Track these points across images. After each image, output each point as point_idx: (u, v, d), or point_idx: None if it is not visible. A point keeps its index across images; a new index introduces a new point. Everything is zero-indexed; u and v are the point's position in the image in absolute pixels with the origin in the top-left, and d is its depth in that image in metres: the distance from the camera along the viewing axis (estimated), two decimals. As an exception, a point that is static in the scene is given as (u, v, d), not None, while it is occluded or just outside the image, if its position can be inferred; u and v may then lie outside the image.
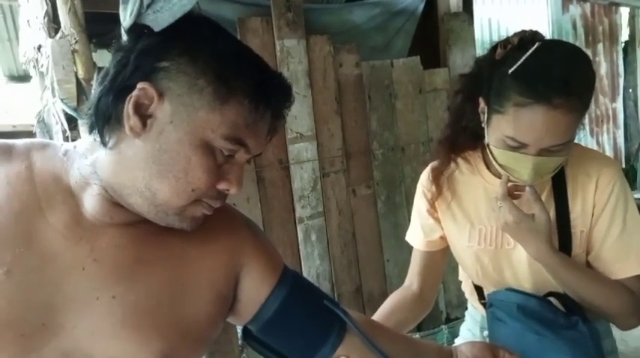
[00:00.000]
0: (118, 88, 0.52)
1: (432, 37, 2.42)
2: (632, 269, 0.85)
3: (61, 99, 1.68)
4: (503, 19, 3.29)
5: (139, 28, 0.53)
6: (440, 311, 2.37)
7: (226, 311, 0.65)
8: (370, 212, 2.24)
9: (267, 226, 1.99)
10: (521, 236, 0.84)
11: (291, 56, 1.99)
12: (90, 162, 0.56)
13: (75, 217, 0.55)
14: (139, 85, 0.51)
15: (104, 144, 0.54)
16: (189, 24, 0.54)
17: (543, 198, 0.89)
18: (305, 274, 2.08)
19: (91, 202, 0.55)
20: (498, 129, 0.80)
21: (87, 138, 0.58)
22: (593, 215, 0.87)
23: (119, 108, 0.52)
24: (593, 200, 0.87)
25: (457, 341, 1.04)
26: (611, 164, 0.90)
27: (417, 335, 2.14)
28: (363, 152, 2.20)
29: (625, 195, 0.86)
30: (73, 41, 1.65)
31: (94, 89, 0.56)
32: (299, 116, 2.02)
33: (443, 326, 2.25)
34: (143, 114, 0.52)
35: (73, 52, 1.65)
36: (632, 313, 0.86)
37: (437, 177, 0.96)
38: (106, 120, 0.53)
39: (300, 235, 2.06)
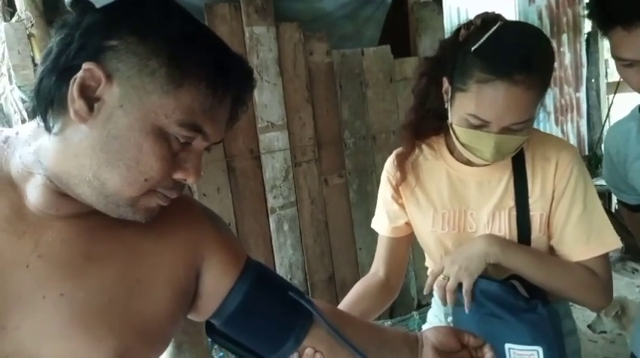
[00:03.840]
0: (61, 69, 0.48)
1: (401, 26, 2.42)
2: (594, 251, 0.87)
3: (19, 87, 1.60)
4: (472, 8, 3.33)
5: (84, 3, 0.49)
6: (411, 297, 2.41)
7: (187, 306, 0.63)
8: (342, 201, 2.24)
9: (239, 217, 1.96)
10: (469, 249, 0.87)
11: (260, 44, 1.95)
12: (33, 149, 0.52)
13: (17, 210, 0.51)
14: (85, 66, 0.47)
15: (48, 129, 0.50)
16: (142, 1, 0.50)
17: (504, 182, 0.90)
18: (278, 264, 2.07)
19: (34, 193, 0.52)
20: (461, 107, 0.81)
21: (31, 124, 0.54)
22: (553, 198, 0.89)
23: (63, 90, 0.48)
24: (553, 183, 0.88)
25: (424, 328, 1.05)
26: (569, 147, 0.92)
27: (388, 322, 2.17)
28: (334, 141, 2.20)
29: (584, 178, 0.88)
30: (29, 25, 1.57)
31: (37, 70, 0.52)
32: (269, 105, 2.00)
33: (414, 313, 2.28)
34: (89, 97, 0.48)
35: (30, 36, 1.57)
36: (598, 294, 0.88)
37: (401, 163, 0.97)
38: (48, 103, 0.49)
39: (273, 225, 2.04)
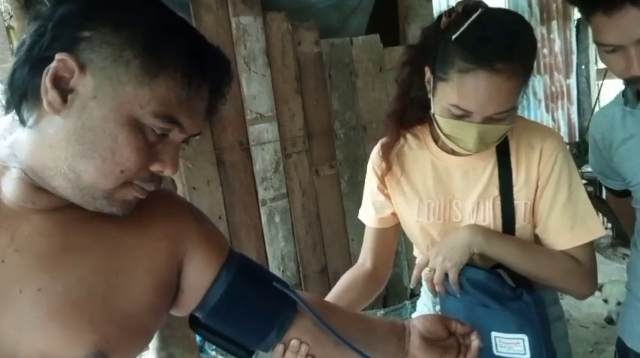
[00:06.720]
0: (34, 60, 0.48)
1: (390, 14, 2.40)
2: (579, 239, 0.87)
3: None
4: (462, -4, 3.33)
5: None
6: (404, 287, 2.42)
7: (169, 300, 0.62)
8: (334, 192, 2.24)
9: (230, 210, 1.95)
10: (453, 240, 0.86)
11: (247, 34, 1.93)
12: (8, 143, 0.51)
13: None
14: (58, 56, 0.47)
15: (22, 122, 0.49)
16: None
17: (488, 170, 0.90)
18: (270, 256, 2.07)
19: (10, 187, 0.51)
20: (443, 97, 0.80)
21: (6, 118, 0.53)
22: (537, 186, 0.89)
23: (36, 81, 0.48)
24: (537, 171, 0.88)
25: (414, 316, 1.06)
26: (554, 135, 0.91)
27: (381, 311, 2.18)
28: (324, 132, 2.19)
29: (568, 165, 0.88)
30: (8, 17, 1.53)
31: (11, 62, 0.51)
32: (258, 96, 1.98)
33: (407, 302, 2.29)
34: (63, 89, 0.48)
35: (9, 28, 1.54)
36: (582, 282, 0.88)
37: (386, 153, 0.96)
38: (22, 95, 0.49)
39: (264, 217, 2.04)
